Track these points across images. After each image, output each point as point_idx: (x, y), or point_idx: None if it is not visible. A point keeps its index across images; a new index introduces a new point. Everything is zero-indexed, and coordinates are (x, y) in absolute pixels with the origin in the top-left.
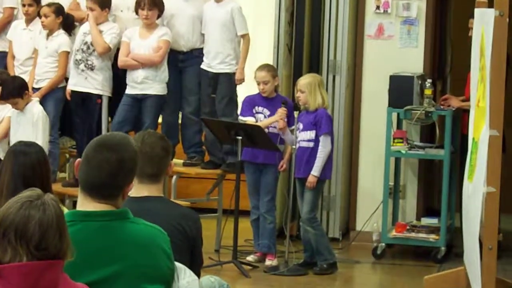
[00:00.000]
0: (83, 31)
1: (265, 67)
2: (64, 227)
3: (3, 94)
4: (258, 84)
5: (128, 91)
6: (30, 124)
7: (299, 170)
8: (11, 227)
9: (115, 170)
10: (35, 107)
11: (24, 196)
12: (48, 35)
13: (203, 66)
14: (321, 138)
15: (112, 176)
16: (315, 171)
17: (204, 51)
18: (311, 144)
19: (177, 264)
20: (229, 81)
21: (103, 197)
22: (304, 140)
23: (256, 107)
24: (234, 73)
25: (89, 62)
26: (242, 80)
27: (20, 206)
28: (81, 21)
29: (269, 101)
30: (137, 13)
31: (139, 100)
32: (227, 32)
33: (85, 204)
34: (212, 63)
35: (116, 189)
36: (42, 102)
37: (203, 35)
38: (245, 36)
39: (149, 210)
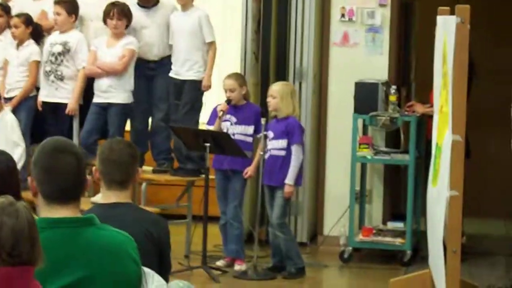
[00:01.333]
0: (50, 41)
1: (232, 75)
2: (36, 234)
3: None
4: (225, 92)
5: (95, 99)
6: (3, 133)
7: (270, 177)
8: None
9: (77, 169)
10: (8, 115)
11: None
12: (18, 45)
13: (171, 74)
14: (294, 148)
15: (77, 176)
16: (290, 180)
17: (172, 60)
18: (283, 153)
19: (145, 269)
20: (194, 88)
21: (73, 199)
22: (275, 149)
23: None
24: (200, 81)
25: (59, 73)
26: (208, 87)
27: None
28: (49, 30)
29: (237, 109)
30: (105, 23)
31: (105, 108)
32: (195, 40)
33: (51, 212)
34: (180, 71)
35: (81, 186)
36: (14, 111)
37: (171, 45)
38: (212, 44)
39: (117, 216)
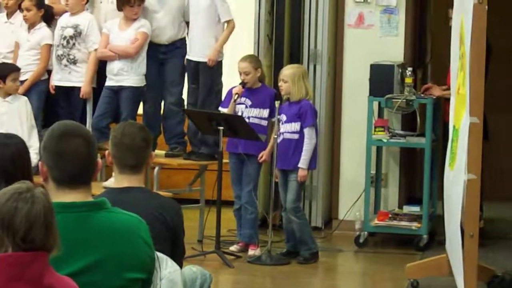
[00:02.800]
0: (61, 24)
1: (247, 58)
2: (51, 221)
3: (10, 67)
4: (240, 74)
5: (107, 83)
6: (19, 114)
7: (283, 161)
8: None
9: (87, 153)
10: (23, 97)
11: (13, 188)
12: (30, 28)
13: (187, 56)
14: (306, 131)
15: (87, 159)
16: (303, 164)
17: (188, 40)
18: (296, 136)
19: (158, 254)
20: (210, 70)
21: (83, 183)
22: (288, 132)
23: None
24: (216, 62)
25: (71, 56)
26: (214, 61)
27: (8, 197)
28: (61, 14)
29: (252, 91)
30: (120, 9)
31: (116, 92)
32: (209, 20)
33: (61, 196)
34: (193, 52)
35: (92, 170)
36: (25, 95)
37: (185, 24)
38: (229, 22)
39: (130, 200)
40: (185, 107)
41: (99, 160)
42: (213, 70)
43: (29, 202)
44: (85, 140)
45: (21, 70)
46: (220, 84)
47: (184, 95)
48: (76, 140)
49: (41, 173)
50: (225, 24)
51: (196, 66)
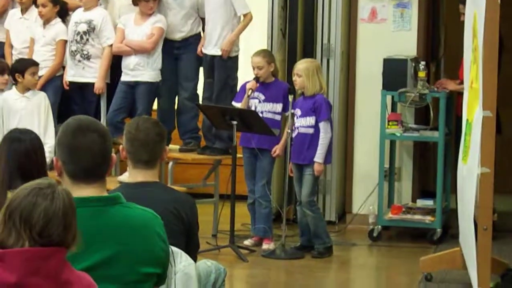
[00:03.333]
0: (74, 20)
1: (260, 52)
2: (70, 218)
3: (29, 61)
4: (253, 69)
5: (122, 78)
6: (36, 110)
7: (298, 156)
8: (16, 211)
9: (102, 148)
10: (41, 93)
11: (35, 183)
12: (45, 23)
13: (204, 49)
14: (322, 125)
15: (102, 154)
16: (319, 158)
17: (204, 34)
18: (311, 131)
19: (173, 248)
20: (225, 64)
21: (98, 178)
22: (303, 126)
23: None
24: (229, 57)
25: (85, 52)
26: (226, 52)
27: (28, 192)
28: (75, 10)
29: (265, 86)
30: (135, 3)
31: (132, 87)
32: (225, 14)
33: (76, 191)
34: (210, 46)
35: (106, 165)
36: (42, 90)
37: (200, 19)
38: (246, 15)
39: (145, 195)
40: (200, 102)
41: (114, 155)
42: (229, 64)
43: (48, 199)
44: (99, 135)
45: None
46: (235, 79)
47: (200, 90)
48: (91, 135)
49: (56, 168)
50: (241, 18)
51: (212, 60)
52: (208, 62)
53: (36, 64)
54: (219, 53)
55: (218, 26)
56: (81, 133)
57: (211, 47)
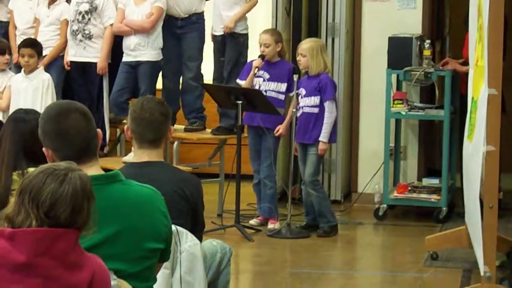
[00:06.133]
0: (76, 0)
1: (269, 30)
2: (80, 202)
3: (28, 42)
4: (260, 46)
5: (124, 58)
6: (39, 90)
7: (303, 135)
8: (27, 188)
9: (86, 125)
10: (43, 74)
11: (52, 165)
12: (50, 4)
13: (213, 31)
14: (327, 104)
15: (89, 130)
16: (324, 137)
17: (213, 16)
18: (316, 110)
19: (178, 228)
20: (236, 43)
21: (91, 156)
22: (308, 106)
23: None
24: (240, 35)
25: (86, 32)
26: (230, 28)
27: (41, 171)
28: None
29: (270, 65)
30: None
31: (134, 67)
32: None
33: None
34: (218, 27)
35: (95, 140)
36: (45, 70)
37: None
38: None
39: (150, 175)
40: (211, 81)
41: (99, 130)
42: (240, 42)
43: (58, 181)
44: (81, 114)
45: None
46: (246, 57)
47: (207, 70)
48: (74, 115)
49: (48, 159)
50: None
51: (223, 40)
52: (220, 42)
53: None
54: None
55: (227, 7)
56: (64, 116)
57: (220, 28)
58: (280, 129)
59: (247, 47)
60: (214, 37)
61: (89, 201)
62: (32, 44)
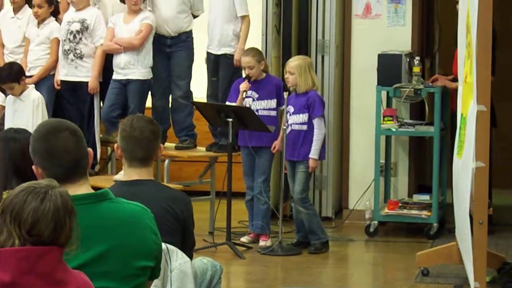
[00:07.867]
0: (67, 19)
1: (249, 52)
2: (62, 219)
3: (1, 78)
4: (244, 69)
5: (114, 76)
6: (30, 110)
7: (292, 152)
8: (8, 207)
9: (77, 142)
10: (33, 93)
11: (32, 183)
12: (39, 23)
13: (207, 49)
14: (316, 121)
15: (78, 151)
16: (314, 154)
17: (208, 34)
18: (304, 127)
19: (169, 246)
20: (229, 63)
21: (81, 174)
22: (296, 123)
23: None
24: (233, 55)
25: (77, 51)
26: (239, 61)
27: (22, 189)
28: (67, 9)
29: (257, 84)
30: (121, 0)
31: (124, 85)
32: (227, 13)
33: None
34: (213, 45)
35: (86, 159)
36: (36, 89)
37: (192, 17)
38: (245, 18)
39: (140, 193)
40: (205, 100)
41: (90, 149)
42: (231, 62)
43: (38, 199)
44: (71, 132)
45: (32, 65)
46: (240, 77)
47: (201, 88)
48: (64, 134)
49: (37, 176)
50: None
51: (217, 59)
52: (213, 60)
53: None
54: (223, 52)
55: (221, 26)
56: (53, 135)
57: (214, 46)
58: (277, 145)
59: (241, 67)
60: (208, 55)
61: (71, 217)
62: (5, 78)
